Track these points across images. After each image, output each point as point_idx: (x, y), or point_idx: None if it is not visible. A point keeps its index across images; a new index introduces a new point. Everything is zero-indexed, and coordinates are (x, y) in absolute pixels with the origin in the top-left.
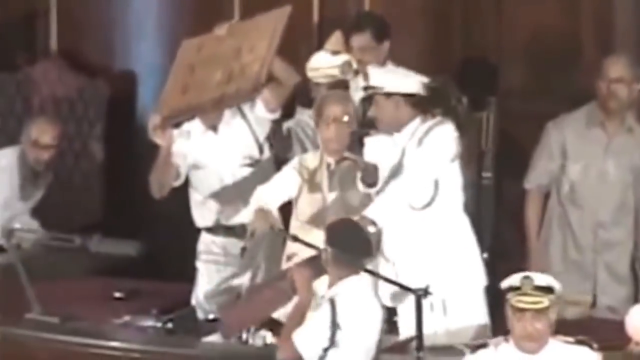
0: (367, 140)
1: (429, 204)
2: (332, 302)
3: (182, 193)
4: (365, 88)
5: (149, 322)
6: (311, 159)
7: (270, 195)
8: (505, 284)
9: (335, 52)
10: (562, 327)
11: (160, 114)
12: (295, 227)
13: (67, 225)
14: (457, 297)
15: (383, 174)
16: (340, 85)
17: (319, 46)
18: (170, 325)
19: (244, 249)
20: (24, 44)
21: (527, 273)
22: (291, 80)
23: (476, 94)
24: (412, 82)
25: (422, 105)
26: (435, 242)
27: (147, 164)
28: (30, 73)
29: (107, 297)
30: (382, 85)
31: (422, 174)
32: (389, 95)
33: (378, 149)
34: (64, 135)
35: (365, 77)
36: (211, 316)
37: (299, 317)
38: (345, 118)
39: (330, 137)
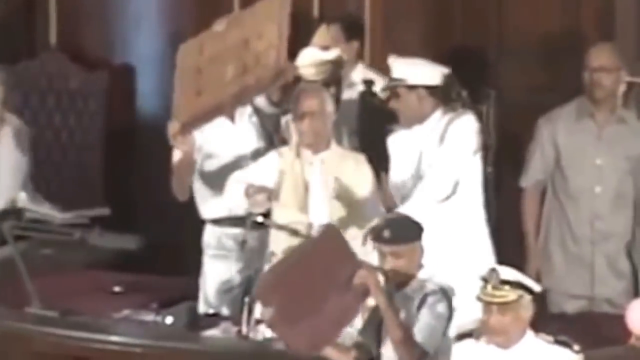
0: (390, 137)
1: (448, 198)
2: (444, 292)
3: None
4: (388, 80)
5: (148, 317)
6: (287, 152)
7: (251, 177)
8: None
9: (324, 48)
10: (562, 321)
11: (179, 121)
12: (277, 214)
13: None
14: (468, 293)
15: (407, 169)
16: (332, 82)
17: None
18: (170, 319)
19: (244, 242)
20: (23, 37)
21: (495, 266)
22: (290, 73)
23: (476, 87)
24: (434, 73)
25: (443, 96)
26: (453, 236)
27: (146, 157)
28: (30, 66)
29: (107, 291)
30: (406, 77)
31: (448, 169)
32: (411, 87)
33: (401, 145)
34: (65, 128)
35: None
36: (211, 311)
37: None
38: (319, 111)
39: (303, 130)
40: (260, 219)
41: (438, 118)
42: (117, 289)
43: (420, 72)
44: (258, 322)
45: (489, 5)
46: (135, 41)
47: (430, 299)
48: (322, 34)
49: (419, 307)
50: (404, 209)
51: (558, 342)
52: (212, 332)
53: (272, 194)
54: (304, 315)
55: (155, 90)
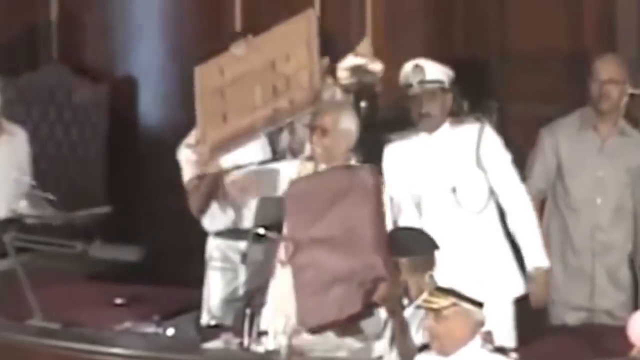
0: (391, 147)
1: (483, 209)
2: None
3: (184, 199)
4: (421, 82)
5: (150, 329)
6: (305, 164)
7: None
8: None
9: (358, 55)
10: (563, 333)
11: (206, 146)
12: None
13: (70, 231)
14: (496, 308)
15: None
16: (365, 91)
17: (322, 47)
18: (171, 331)
19: (245, 255)
20: (25, 49)
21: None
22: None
23: (478, 98)
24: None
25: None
26: (483, 247)
27: (148, 169)
28: (32, 78)
29: (108, 302)
30: (443, 80)
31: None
32: (445, 90)
33: (409, 155)
34: (67, 140)
35: (420, 71)
36: (213, 322)
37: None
38: (332, 128)
39: (312, 144)
40: (262, 231)
41: (448, 126)
42: (118, 300)
43: (449, 76)
44: (260, 333)
45: (491, 15)
46: (137, 53)
47: None
48: (364, 44)
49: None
50: (518, 211)
51: (498, 350)
52: (214, 344)
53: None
54: (317, 289)
55: (157, 102)
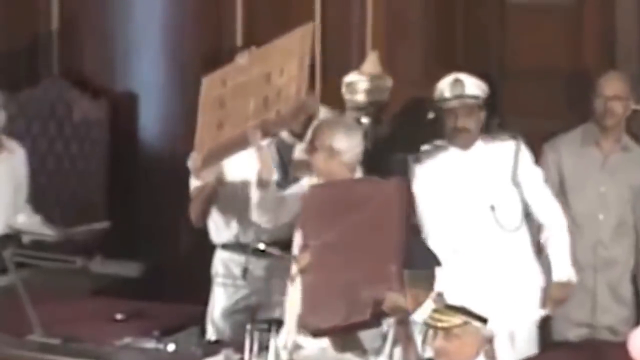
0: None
1: (519, 227)
2: None
3: (185, 213)
4: (459, 97)
5: (150, 344)
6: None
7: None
8: None
9: (362, 73)
10: (565, 350)
11: (200, 154)
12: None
13: (70, 247)
14: (525, 327)
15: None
16: (373, 106)
17: (323, 54)
18: (172, 347)
19: (246, 270)
20: (25, 64)
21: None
22: (312, 108)
23: None
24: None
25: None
26: (517, 265)
27: (149, 184)
28: (32, 93)
29: (109, 318)
30: (480, 95)
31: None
32: (481, 106)
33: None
34: (67, 155)
35: (460, 85)
36: (214, 338)
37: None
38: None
39: (312, 164)
40: (262, 246)
41: (481, 143)
42: (119, 316)
43: (484, 92)
44: (260, 349)
45: (491, 30)
46: (138, 68)
47: None
48: (370, 60)
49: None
50: (557, 234)
51: None
52: (214, 359)
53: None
54: (325, 293)
55: (158, 118)
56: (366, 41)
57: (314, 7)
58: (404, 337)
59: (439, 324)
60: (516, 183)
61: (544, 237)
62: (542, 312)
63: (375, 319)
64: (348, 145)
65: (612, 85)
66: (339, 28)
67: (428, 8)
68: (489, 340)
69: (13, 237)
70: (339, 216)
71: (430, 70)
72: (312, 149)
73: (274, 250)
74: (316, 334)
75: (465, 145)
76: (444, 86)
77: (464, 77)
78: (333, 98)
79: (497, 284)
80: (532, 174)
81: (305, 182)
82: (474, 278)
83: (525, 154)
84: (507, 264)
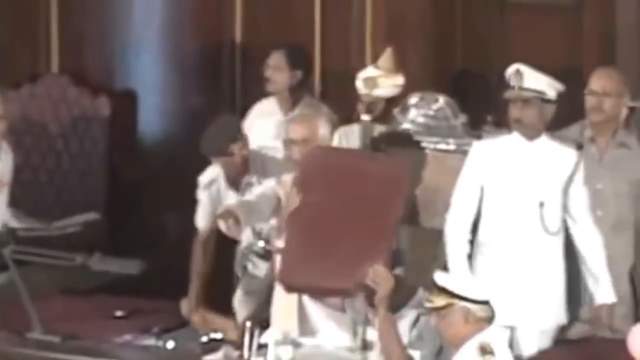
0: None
1: (558, 232)
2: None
3: (188, 213)
4: (518, 88)
5: (150, 341)
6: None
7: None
8: None
9: (377, 67)
10: (566, 347)
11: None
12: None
13: (70, 244)
14: (538, 330)
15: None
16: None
17: (322, 54)
18: (171, 344)
19: (245, 268)
20: (26, 61)
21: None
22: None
23: (478, 114)
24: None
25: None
26: (548, 269)
27: (149, 182)
28: (32, 91)
29: (108, 315)
30: (543, 90)
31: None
32: (545, 101)
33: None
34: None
35: (519, 76)
36: (213, 335)
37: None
38: (310, 138)
39: (293, 159)
40: (262, 244)
41: (546, 139)
42: (118, 313)
43: (555, 88)
44: (260, 346)
45: (490, 31)
46: (137, 67)
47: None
48: (385, 55)
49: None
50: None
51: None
52: (214, 357)
53: (240, 219)
54: (311, 253)
55: (157, 116)
56: (366, 44)
57: (314, 7)
58: (382, 316)
59: (427, 305)
60: (566, 191)
61: (581, 254)
62: (559, 322)
63: (355, 291)
64: (327, 135)
65: (600, 81)
66: (340, 30)
67: (428, 8)
68: (488, 321)
69: (10, 235)
70: (341, 183)
71: (429, 70)
72: (290, 142)
73: (274, 248)
74: (290, 288)
75: (528, 136)
76: (508, 75)
77: (525, 69)
78: (333, 96)
79: (525, 281)
80: (583, 189)
81: (272, 183)
82: (505, 271)
83: (582, 169)
84: (539, 264)
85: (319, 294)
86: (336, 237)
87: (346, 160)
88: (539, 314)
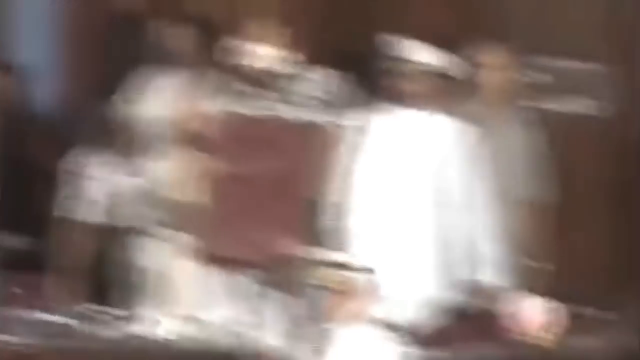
0: None
1: (439, 204)
2: None
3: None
4: (410, 62)
5: (43, 316)
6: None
7: None
8: None
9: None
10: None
11: None
12: None
13: None
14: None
15: None
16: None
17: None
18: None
19: None
20: None
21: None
22: None
23: (370, 88)
24: None
25: None
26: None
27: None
28: None
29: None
30: (436, 64)
31: None
32: (439, 76)
33: None
34: None
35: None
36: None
37: None
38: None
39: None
40: None
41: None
42: (15, 290)
43: (441, 61)
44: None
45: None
46: (27, 42)
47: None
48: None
49: None
50: None
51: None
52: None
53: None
54: (235, 224)
55: (49, 93)
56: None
57: None
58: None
59: (319, 282)
60: (447, 167)
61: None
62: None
63: (268, 263)
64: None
65: (484, 55)
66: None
67: None
68: (374, 288)
69: None
70: (258, 152)
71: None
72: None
73: None
74: (208, 260)
75: (421, 110)
76: (399, 49)
77: (415, 43)
78: None
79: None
80: (465, 168)
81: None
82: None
83: (469, 146)
84: (410, 236)
85: (232, 266)
86: (253, 209)
87: (267, 129)
88: (410, 285)
